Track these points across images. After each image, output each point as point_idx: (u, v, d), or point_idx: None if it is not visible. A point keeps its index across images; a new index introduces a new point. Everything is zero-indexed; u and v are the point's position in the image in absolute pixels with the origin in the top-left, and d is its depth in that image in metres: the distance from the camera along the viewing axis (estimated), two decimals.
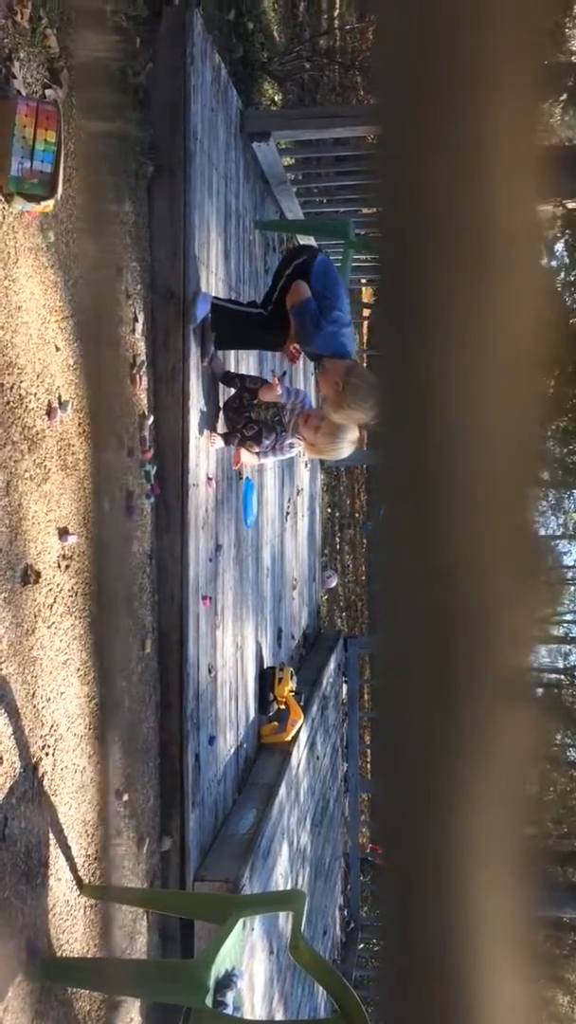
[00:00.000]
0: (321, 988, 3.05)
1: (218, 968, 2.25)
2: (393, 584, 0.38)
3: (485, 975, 0.37)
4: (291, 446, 3.62)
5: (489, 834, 0.36)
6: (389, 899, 0.41)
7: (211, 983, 2.21)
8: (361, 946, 6.75)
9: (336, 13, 8.85)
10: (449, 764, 0.36)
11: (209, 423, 3.50)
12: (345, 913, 6.72)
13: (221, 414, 3.64)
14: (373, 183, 0.39)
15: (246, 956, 3.04)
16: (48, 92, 2.46)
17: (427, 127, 0.37)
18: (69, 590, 2.49)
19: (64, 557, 2.47)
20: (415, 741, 0.37)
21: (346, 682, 6.72)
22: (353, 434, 3.45)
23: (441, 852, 0.37)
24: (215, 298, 3.50)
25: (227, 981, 2.29)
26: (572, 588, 16.36)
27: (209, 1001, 2.19)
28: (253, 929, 3.38)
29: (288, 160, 5.10)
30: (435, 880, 0.38)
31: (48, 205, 2.30)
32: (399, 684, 0.37)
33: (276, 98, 6.04)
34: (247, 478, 4.17)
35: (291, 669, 4.64)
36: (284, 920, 3.70)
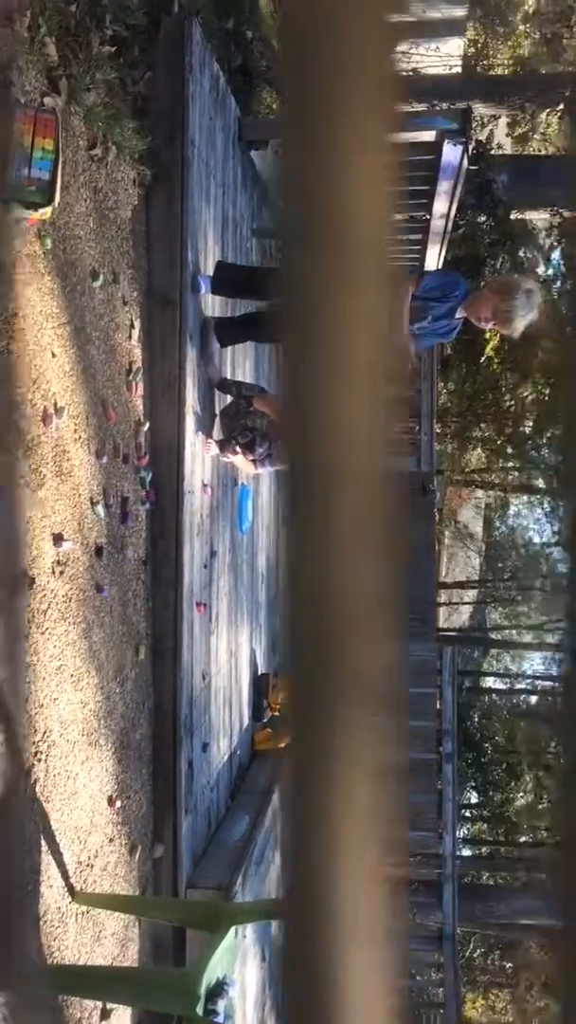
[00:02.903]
0: None
1: (210, 976, 2.25)
2: (287, 601, 0.41)
3: (350, 973, 0.41)
4: None
5: (354, 827, 0.41)
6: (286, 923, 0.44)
7: (202, 991, 2.20)
8: None
9: None
10: (323, 766, 0.41)
11: (205, 430, 3.50)
12: None
13: (217, 420, 3.65)
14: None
15: (238, 964, 3.04)
16: (47, 100, 2.47)
17: (301, 130, 0.38)
18: (63, 596, 2.49)
19: (59, 563, 2.47)
20: (302, 746, 0.41)
21: None
22: None
23: (317, 861, 0.42)
24: (220, 261, 3.68)
25: (219, 989, 2.29)
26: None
27: (200, 1009, 2.19)
28: (245, 936, 3.37)
29: None
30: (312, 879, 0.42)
31: (45, 213, 2.31)
32: (294, 694, 0.41)
33: (274, 106, 6.06)
34: (243, 484, 4.17)
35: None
36: (276, 928, 3.69)
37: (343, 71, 0.36)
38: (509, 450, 11.48)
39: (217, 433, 3.63)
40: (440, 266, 5.62)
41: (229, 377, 3.84)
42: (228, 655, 3.94)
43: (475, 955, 11.93)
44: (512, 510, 18.00)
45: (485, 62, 11.60)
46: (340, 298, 0.38)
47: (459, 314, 3.77)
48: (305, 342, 0.39)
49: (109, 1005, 2.60)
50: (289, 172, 0.38)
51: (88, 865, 2.60)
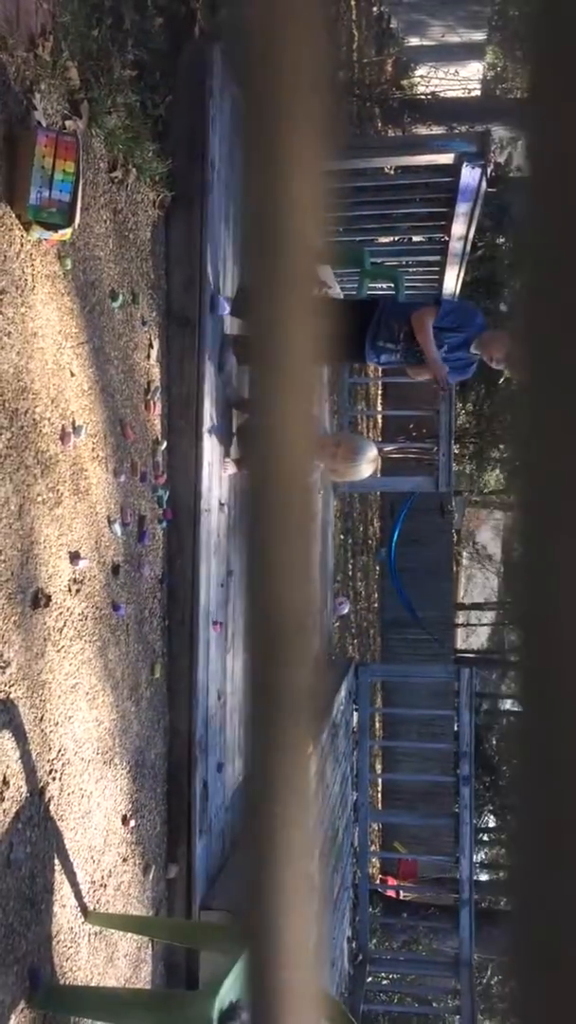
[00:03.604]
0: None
1: (222, 999, 2.23)
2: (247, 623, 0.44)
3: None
4: None
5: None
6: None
7: (215, 1014, 2.18)
8: (369, 979, 6.66)
9: (355, 46, 8.97)
10: (270, 780, 0.45)
11: (222, 448, 3.51)
12: (353, 945, 6.64)
13: (234, 439, 3.66)
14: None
15: None
16: (68, 123, 2.51)
17: (251, 147, 0.39)
18: (79, 614, 2.50)
19: (75, 581, 2.48)
20: (256, 769, 0.45)
21: (356, 710, 6.68)
22: (371, 453, 3.49)
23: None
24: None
25: (231, 1013, 2.26)
26: None
27: None
28: None
29: None
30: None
31: (66, 234, 2.33)
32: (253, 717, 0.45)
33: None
34: None
35: None
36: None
37: (284, 91, 0.37)
38: None
39: (234, 452, 3.64)
40: (459, 287, 5.64)
41: (247, 396, 3.85)
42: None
43: (493, 982, 11.77)
44: None
45: (504, 85, 11.67)
46: (274, 312, 0.39)
47: (474, 348, 3.79)
48: (253, 359, 0.41)
49: None
50: (243, 187, 0.39)
51: (101, 885, 2.59)
